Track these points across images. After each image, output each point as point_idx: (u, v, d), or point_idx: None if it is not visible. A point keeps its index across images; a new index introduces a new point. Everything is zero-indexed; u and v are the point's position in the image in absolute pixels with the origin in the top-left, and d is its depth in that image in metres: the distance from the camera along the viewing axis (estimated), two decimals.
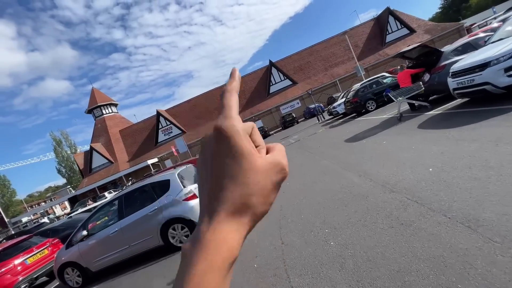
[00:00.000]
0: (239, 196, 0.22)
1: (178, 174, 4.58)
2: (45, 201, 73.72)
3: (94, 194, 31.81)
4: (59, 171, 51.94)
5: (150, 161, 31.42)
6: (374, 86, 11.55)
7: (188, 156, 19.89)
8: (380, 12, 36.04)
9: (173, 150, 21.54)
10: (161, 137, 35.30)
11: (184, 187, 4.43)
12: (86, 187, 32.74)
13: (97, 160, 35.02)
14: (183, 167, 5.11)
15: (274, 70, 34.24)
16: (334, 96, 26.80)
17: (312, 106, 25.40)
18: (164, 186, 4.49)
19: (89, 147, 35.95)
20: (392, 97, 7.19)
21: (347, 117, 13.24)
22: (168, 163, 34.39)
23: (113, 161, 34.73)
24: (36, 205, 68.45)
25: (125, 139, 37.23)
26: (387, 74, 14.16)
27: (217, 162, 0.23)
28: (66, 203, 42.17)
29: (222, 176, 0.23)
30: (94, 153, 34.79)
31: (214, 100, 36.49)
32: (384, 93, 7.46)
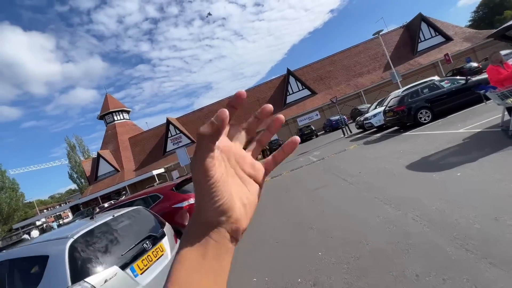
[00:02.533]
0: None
1: (72, 246, 1.99)
2: (60, 204, 74.44)
3: (96, 203, 30.22)
4: (70, 177, 51.79)
5: (155, 172, 29.51)
6: (426, 91, 8.63)
7: (182, 172, 17.48)
8: (407, 21, 33.08)
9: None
10: (170, 146, 33.57)
11: (76, 280, 1.82)
12: (89, 195, 31.29)
13: (104, 168, 33.75)
14: (108, 216, 2.52)
15: (291, 79, 31.90)
16: (359, 108, 23.77)
17: (335, 117, 22.49)
18: (35, 269, 1.91)
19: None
20: (494, 99, 4.33)
21: (387, 131, 10.28)
22: (175, 174, 32.37)
23: (119, 170, 33.29)
24: (51, 208, 69.01)
25: (133, 147, 35.93)
26: (437, 78, 11.20)
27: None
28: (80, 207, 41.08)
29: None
30: (101, 160, 33.60)
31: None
32: (482, 91, 4.60)
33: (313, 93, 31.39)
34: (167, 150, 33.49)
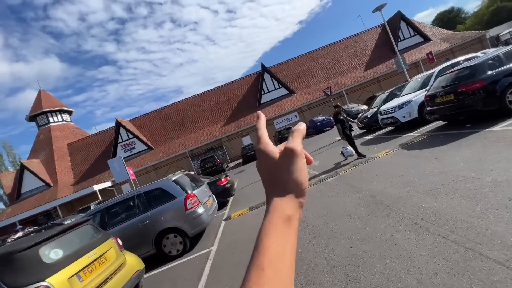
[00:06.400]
0: (284, 180, 0.36)
1: None
2: None
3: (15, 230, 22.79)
4: None
5: (98, 186, 23.32)
6: None
7: (132, 185, 12.26)
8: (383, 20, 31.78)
9: (130, 172, 14.19)
10: (120, 153, 27.41)
11: None
12: (6, 219, 23.73)
13: (30, 183, 26.29)
14: None
15: (267, 76, 28.23)
16: (346, 107, 20.77)
17: (320, 118, 19.09)
18: None
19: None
20: None
21: (426, 128, 6.69)
22: (126, 188, 26.31)
23: (51, 185, 26.15)
24: None
25: (73, 155, 28.96)
26: (480, 53, 8.02)
27: (265, 168, 0.38)
28: None
29: (272, 174, 0.37)
30: (26, 172, 26.14)
31: (192, 109, 29.58)
32: None
33: (291, 92, 28.04)
34: None
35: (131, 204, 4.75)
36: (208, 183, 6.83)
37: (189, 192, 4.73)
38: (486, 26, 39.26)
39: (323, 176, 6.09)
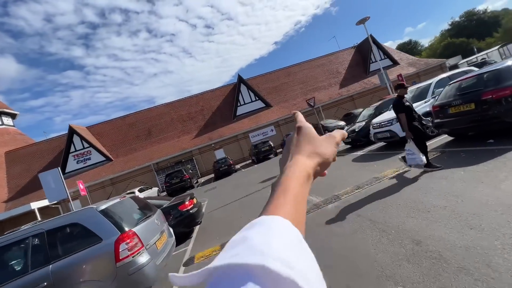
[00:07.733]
0: (310, 148, 0.42)
1: None
2: None
3: None
4: None
5: (38, 204, 19.46)
6: None
7: (85, 203, 9.82)
8: (359, 41, 33.38)
9: (80, 187, 11.64)
10: (72, 165, 23.79)
11: None
12: None
13: None
14: None
15: (243, 88, 27.21)
16: (323, 123, 20.30)
17: None
18: None
19: None
20: None
21: (429, 143, 5.75)
22: (77, 204, 22.48)
23: None
24: None
25: (11, 165, 24.43)
26: (475, 68, 7.59)
27: (299, 138, 0.44)
28: None
29: (302, 142, 0.43)
30: None
31: (161, 118, 27.15)
32: None
33: (268, 105, 27.23)
34: (67, 170, 23.52)
35: (21, 251, 2.85)
36: (165, 209, 5.04)
37: (126, 229, 2.98)
38: (439, 57, 43.53)
39: (318, 200, 4.72)
